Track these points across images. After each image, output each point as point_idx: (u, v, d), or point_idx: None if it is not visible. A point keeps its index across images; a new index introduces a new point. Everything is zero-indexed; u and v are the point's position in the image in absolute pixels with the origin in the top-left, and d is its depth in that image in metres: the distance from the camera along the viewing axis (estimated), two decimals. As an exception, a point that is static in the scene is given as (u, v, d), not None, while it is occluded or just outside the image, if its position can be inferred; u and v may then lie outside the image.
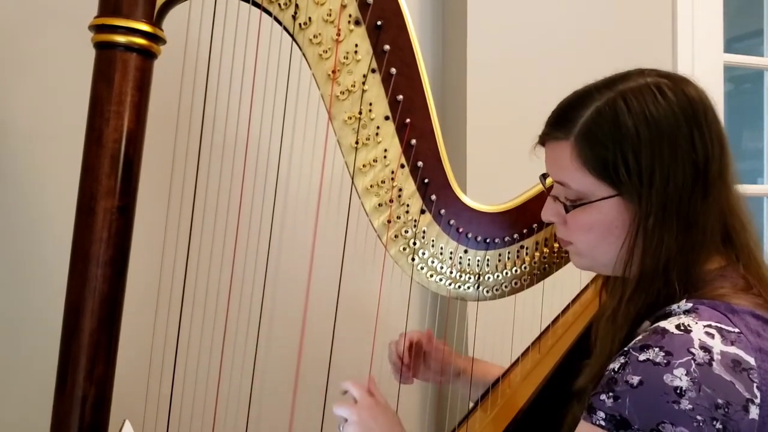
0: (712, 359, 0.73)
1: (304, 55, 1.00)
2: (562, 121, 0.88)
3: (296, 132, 1.05)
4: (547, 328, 1.22)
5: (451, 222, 1.08)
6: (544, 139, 0.92)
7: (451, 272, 1.10)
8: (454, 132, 1.63)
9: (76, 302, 0.89)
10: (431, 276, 1.10)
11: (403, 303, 1.17)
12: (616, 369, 0.77)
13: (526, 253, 1.11)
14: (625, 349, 0.78)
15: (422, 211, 1.07)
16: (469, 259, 1.10)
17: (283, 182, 1.13)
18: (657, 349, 0.75)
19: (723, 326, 0.76)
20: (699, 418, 0.71)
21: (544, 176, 1.00)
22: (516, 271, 1.11)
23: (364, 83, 1.01)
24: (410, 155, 1.04)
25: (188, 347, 1.05)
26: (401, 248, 1.08)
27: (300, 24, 0.98)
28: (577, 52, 1.68)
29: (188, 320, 1.03)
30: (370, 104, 1.02)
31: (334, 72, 1.00)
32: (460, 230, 1.08)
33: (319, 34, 0.99)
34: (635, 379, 0.74)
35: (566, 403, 0.90)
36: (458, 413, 1.21)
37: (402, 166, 1.04)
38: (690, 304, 0.80)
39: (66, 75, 1.29)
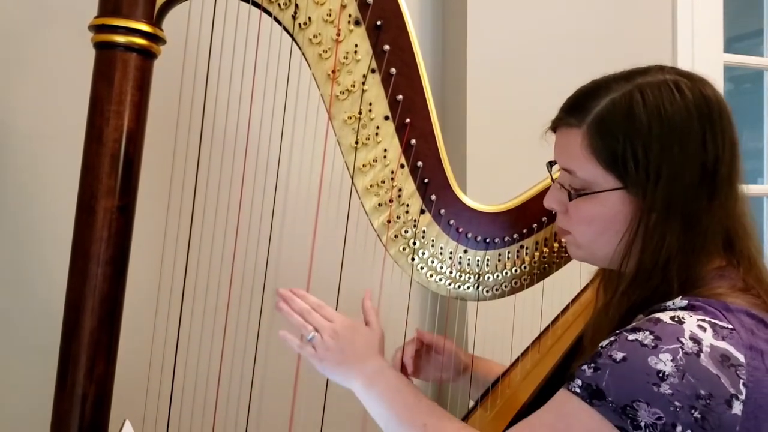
0: (700, 351, 0.73)
1: (303, 55, 1.00)
2: (576, 108, 0.88)
3: (296, 132, 1.05)
4: (547, 327, 1.22)
5: (451, 222, 1.08)
6: (556, 125, 0.92)
7: (451, 272, 1.10)
8: (454, 132, 1.63)
9: (77, 301, 0.90)
10: (431, 276, 1.10)
11: (403, 303, 1.17)
12: (603, 345, 0.78)
13: (526, 253, 1.11)
14: (617, 331, 0.79)
15: (422, 211, 1.07)
16: (468, 259, 1.10)
17: (283, 182, 1.13)
18: (647, 332, 0.76)
19: (716, 321, 0.76)
20: (677, 404, 0.71)
21: (551, 164, 0.99)
22: (516, 270, 1.11)
23: (363, 83, 1.01)
24: (410, 155, 1.04)
25: (188, 346, 1.05)
26: (401, 248, 1.08)
27: (300, 24, 0.98)
28: (577, 52, 1.68)
29: (188, 319, 1.03)
30: (370, 104, 1.02)
31: (333, 72, 1.00)
32: (460, 230, 1.08)
33: (319, 34, 0.99)
34: (619, 355, 0.75)
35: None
36: (458, 413, 1.21)
37: (402, 166, 1.04)
38: (685, 302, 0.80)
39: (66, 75, 1.29)
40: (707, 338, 0.74)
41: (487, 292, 1.12)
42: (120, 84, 0.90)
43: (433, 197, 1.06)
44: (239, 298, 1.09)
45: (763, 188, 2.28)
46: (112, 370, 0.92)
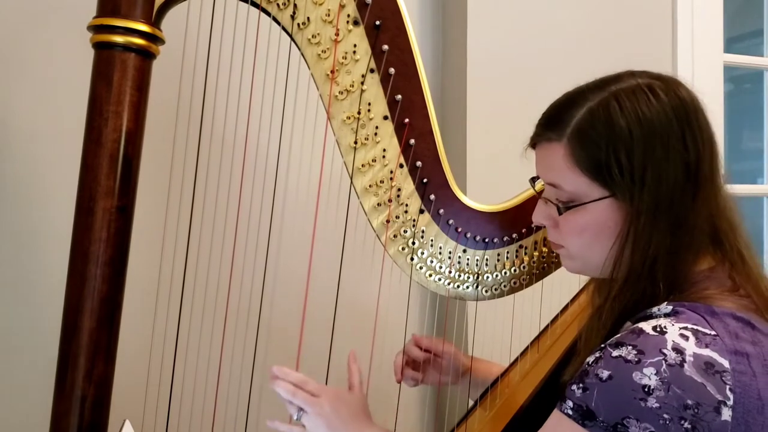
0: (684, 361, 0.73)
1: (302, 55, 1.00)
2: (554, 122, 0.88)
3: (295, 132, 1.05)
4: (546, 327, 1.22)
5: (450, 221, 1.08)
6: (535, 141, 0.92)
7: (450, 272, 1.10)
8: (454, 132, 1.63)
9: (76, 302, 0.90)
10: (430, 275, 1.10)
11: (403, 302, 1.17)
12: (590, 362, 0.78)
13: (525, 253, 1.11)
14: (602, 345, 0.79)
15: (421, 211, 1.07)
16: (468, 259, 1.10)
17: (282, 182, 1.13)
18: (630, 347, 0.76)
19: (699, 328, 0.76)
20: (666, 416, 0.72)
21: (533, 179, 1.00)
22: (515, 270, 1.11)
23: (362, 83, 1.01)
24: (409, 155, 1.04)
25: (187, 347, 1.05)
26: (400, 248, 1.08)
27: (298, 24, 0.98)
28: (577, 53, 1.68)
29: (187, 320, 1.03)
30: (369, 104, 1.02)
31: (332, 72, 1.00)
32: (459, 230, 1.08)
33: (318, 34, 0.99)
34: (605, 374, 0.75)
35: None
36: (457, 412, 1.21)
37: (401, 165, 1.04)
38: (670, 307, 0.80)
39: (65, 75, 1.29)
40: (690, 347, 0.74)
41: (486, 291, 1.12)
42: (119, 84, 0.90)
43: (432, 197, 1.06)
44: (238, 298, 1.09)
45: (763, 188, 2.28)
46: (111, 370, 0.92)
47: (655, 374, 0.73)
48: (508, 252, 1.11)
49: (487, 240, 1.09)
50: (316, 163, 1.02)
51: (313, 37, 0.99)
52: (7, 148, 1.28)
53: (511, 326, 1.18)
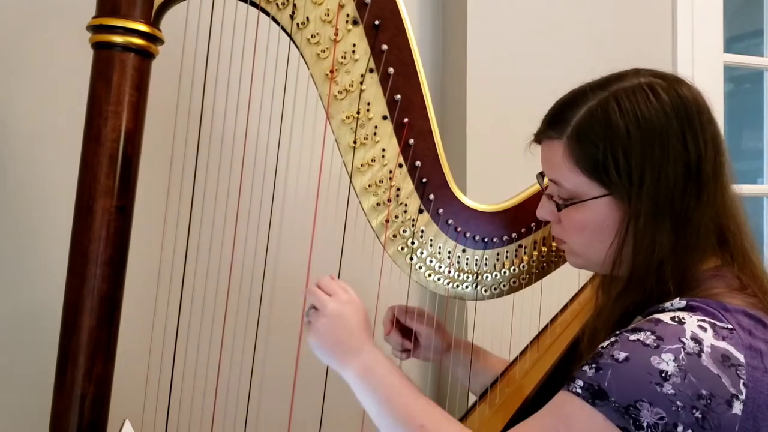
0: (701, 351, 0.73)
1: (301, 54, 1.00)
2: (556, 121, 0.89)
3: (294, 132, 1.05)
4: (546, 327, 1.22)
5: (449, 221, 1.08)
6: (539, 138, 0.93)
7: (450, 271, 1.10)
8: (454, 132, 1.63)
9: (75, 301, 0.90)
10: (429, 275, 1.10)
11: (402, 302, 1.17)
12: (604, 345, 0.78)
13: (525, 252, 1.11)
14: (617, 332, 0.79)
15: (420, 211, 1.07)
16: (467, 259, 1.10)
17: (281, 182, 1.13)
18: (649, 333, 0.76)
19: (716, 322, 0.76)
20: (679, 404, 0.72)
21: (541, 174, 1.00)
22: (514, 270, 1.11)
23: (362, 83, 1.01)
24: (408, 155, 1.04)
25: (187, 345, 1.05)
26: (399, 248, 1.08)
27: (298, 24, 0.98)
28: (577, 52, 1.68)
29: (187, 318, 1.03)
30: (368, 104, 1.02)
31: (332, 71, 1.00)
32: (458, 229, 1.08)
33: (317, 33, 0.99)
34: (622, 355, 0.75)
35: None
36: (457, 411, 1.21)
37: (400, 165, 1.05)
38: (684, 302, 0.80)
39: (64, 75, 1.29)
40: (708, 338, 0.75)
41: (485, 291, 1.12)
42: (118, 84, 0.90)
43: (432, 197, 1.06)
44: (238, 298, 1.09)
45: (763, 188, 2.28)
46: (110, 369, 0.92)
47: (673, 361, 0.73)
48: (507, 251, 1.11)
49: (486, 240, 1.09)
50: (316, 163, 1.02)
51: (312, 36, 0.99)
52: (7, 148, 1.28)
53: (511, 326, 1.19)
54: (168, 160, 1.07)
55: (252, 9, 0.98)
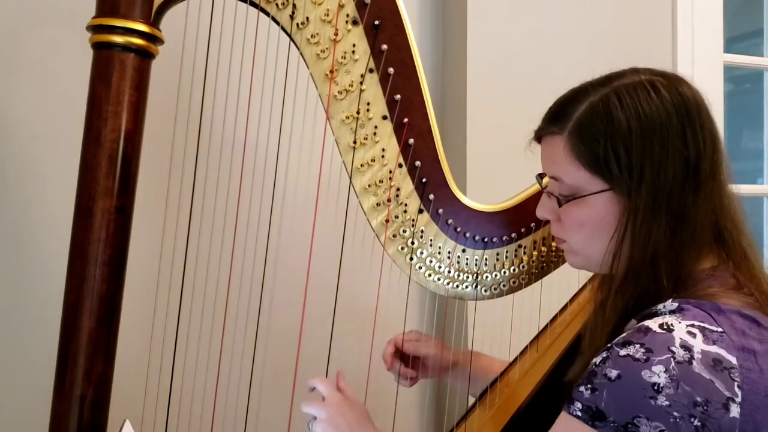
0: (692, 358, 0.73)
1: (301, 54, 1.00)
2: (557, 116, 0.89)
3: (294, 132, 1.05)
4: (545, 327, 1.22)
5: (449, 221, 1.08)
6: (540, 134, 0.93)
7: (449, 271, 1.10)
8: (454, 132, 1.63)
9: (75, 302, 0.90)
10: (429, 275, 1.10)
11: (402, 302, 1.17)
12: (597, 363, 0.78)
13: (524, 252, 1.11)
14: (609, 345, 0.79)
15: (420, 211, 1.07)
16: (467, 259, 1.10)
17: (281, 182, 1.13)
18: (638, 346, 0.75)
19: (706, 325, 0.76)
20: (676, 414, 0.71)
21: (540, 176, 1.01)
22: (514, 270, 1.11)
23: (361, 83, 1.01)
24: (408, 154, 1.04)
25: (187, 346, 1.05)
26: (399, 248, 1.08)
27: (297, 24, 0.98)
28: (577, 52, 1.68)
29: (186, 320, 1.03)
30: (368, 104, 1.02)
31: (331, 71, 1.00)
32: (458, 229, 1.08)
33: (317, 33, 0.99)
34: (614, 373, 0.75)
35: (564, 402, 0.90)
36: (457, 411, 1.21)
37: (400, 165, 1.04)
38: (675, 304, 0.80)
39: (64, 75, 1.29)
40: (698, 344, 0.74)
41: (485, 291, 1.12)
42: (118, 84, 0.90)
43: (431, 196, 1.06)
44: (238, 298, 1.09)
45: (763, 188, 2.28)
46: (110, 370, 0.92)
47: (664, 372, 0.73)
48: (507, 251, 1.11)
49: (486, 240, 1.09)
50: (315, 163, 1.02)
51: (312, 36, 0.99)
52: (7, 148, 1.28)
53: (511, 326, 1.18)
54: (168, 160, 1.07)
55: (252, 9, 0.98)
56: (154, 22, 0.92)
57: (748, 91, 2.65)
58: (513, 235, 1.10)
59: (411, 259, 1.08)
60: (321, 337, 1.08)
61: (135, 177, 0.93)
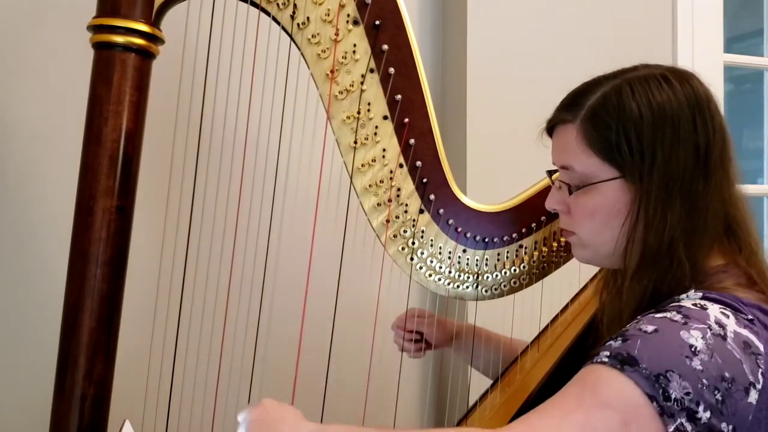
0: (726, 335, 0.74)
1: (302, 54, 1.00)
2: (570, 106, 0.91)
3: (295, 132, 1.05)
4: (546, 327, 1.22)
5: (450, 221, 1.08)
6: (552, 123, 0.94)
7: (450, 272, 1.10)
8: (454, 132, 1.63)
9: (75, 301, 0.90)
10: (430, 275, 1.10)
11: (402, 302, 1.17)
12: (628, 326, 0.78)
13: (525, 253, 1.11)
14: (639, 316, 0.79)
15: (421, 211, 1.07)
16: (467, 259, 1.10)
17: (281, 182, 1.13)
18: (675, 312, 0.76)
19: (737, 311, 0.77)
20: (705, 381, 0.71)
21: (550, 173, 1.01)
22: (515, 270, 1.11)
23: (362, 83, 1.01)
24: (409, 155, 1.04)
25: (187, 346, 1.05)
26: (400, 248, 1.08)
27: (298, 24, 0.98)
28: (577, 52, 1.68)
29: (187, 320, 1.03)
30: (369, 104, 1.02)
31: (332, 72, 1.00)
32: (459, 230, 1.08)
33: (318, 33, 0.99)
34: (650, 327, 0.75)
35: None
36: (458, 403, 1.21)
37: (401, 165, 1.04)
38: (700, 293, 0.81)
39: (65, 75, 1.29)
40: (731, 324, 0.75)
41: (486, 291, 1.12)
42: (119, 84, 0.90)
43: (432, 197, 1.06)
44: (238, 298, 1.09)
45: (763, 188, 2.28)
46: (111, 370, 0.92)
47: (702, 338, 0.73)
48: (507, 252, 1.11)
49: (486, 240, 1.09)
50: (316, 163, 1.02)
51: (312, 36, 0.99)
52: (7, 148, 1.28)
53: (511, 326, 1.18)
54: (168, 160, 1.07)
55: (252, 9, 0.98)
56: (155, 22, 0.92)
57: (748, 91, 2.65)
58: (514, 235, 1.10)
59: (411, 259, 1.08)
60: (321, 335, 1.07)
61: (136, 177, 0.93)
